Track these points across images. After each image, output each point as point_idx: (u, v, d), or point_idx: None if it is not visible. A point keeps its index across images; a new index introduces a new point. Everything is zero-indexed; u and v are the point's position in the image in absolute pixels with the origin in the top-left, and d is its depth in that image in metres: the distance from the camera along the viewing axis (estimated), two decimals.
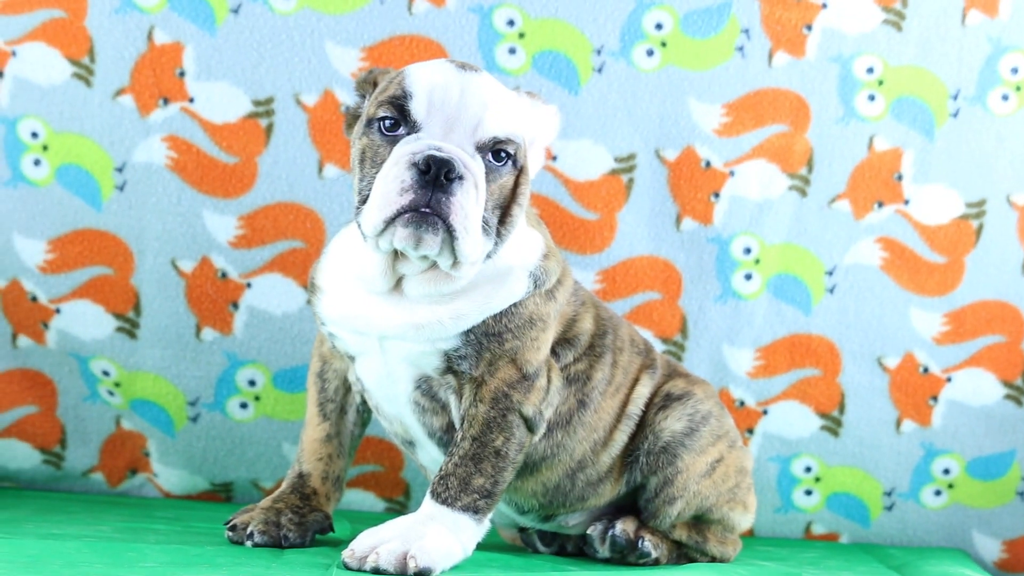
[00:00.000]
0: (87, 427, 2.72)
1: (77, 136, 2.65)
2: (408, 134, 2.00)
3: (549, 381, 2.14)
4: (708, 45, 2.69)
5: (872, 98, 2.71)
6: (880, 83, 2.71)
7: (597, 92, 2.69)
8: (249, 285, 2.68)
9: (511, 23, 2.67)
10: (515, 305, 2.08)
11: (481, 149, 2.00)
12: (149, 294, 2.67)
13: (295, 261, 2.67)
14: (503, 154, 2.02)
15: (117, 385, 2.69)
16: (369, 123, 2.04)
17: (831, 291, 2.74)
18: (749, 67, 2.70)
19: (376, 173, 2.00)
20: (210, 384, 2.69)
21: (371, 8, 2.65)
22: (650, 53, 2.69)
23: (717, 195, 2.72)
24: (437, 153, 1.95)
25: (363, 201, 2.01)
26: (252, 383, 2.70)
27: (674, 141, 2.71)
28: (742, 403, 2.74)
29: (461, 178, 1.95)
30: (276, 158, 2.67)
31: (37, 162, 2.65)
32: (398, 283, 2.08)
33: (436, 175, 1.94)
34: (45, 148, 2.65)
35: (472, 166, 1.97)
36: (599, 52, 2.68)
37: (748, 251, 2.73)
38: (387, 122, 2.01)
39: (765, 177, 2.71)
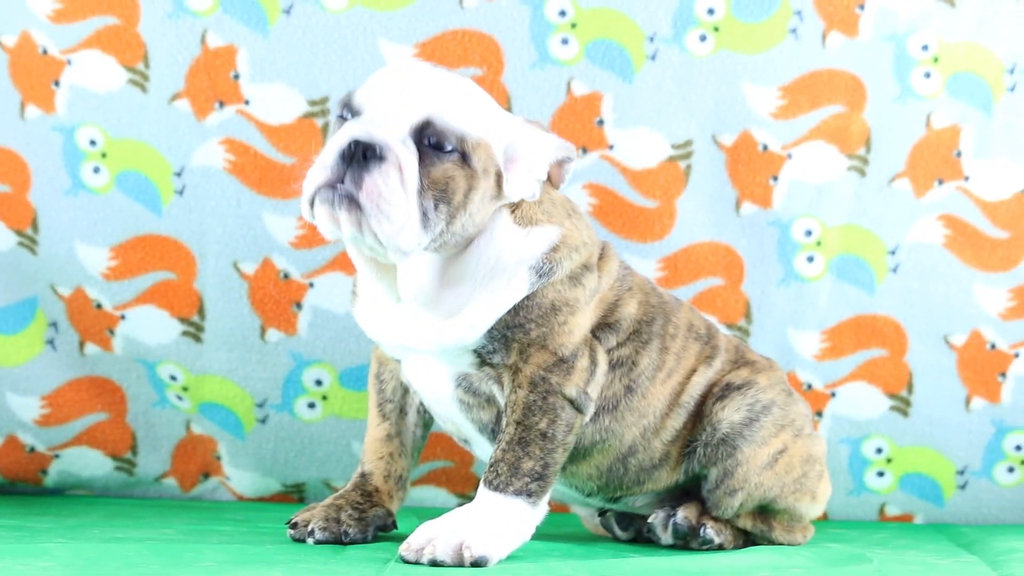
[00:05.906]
0: (157, 432, 2.73)
1: (135, 142, 2.66)
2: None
3: (594, 363, 2.12)
4: (761, 29, 2.67)
5: (928, 75, 2.70)
6: (935, 60, 2.70)
7: (652, 79, 2.68)
8: (312, 285, 2.69)
9: (563, 14, 2.66)
10: (529, 297, 2.06)
11: (417, 134, 1.96)
12: (212, 297, 2.68)
13: None
14: (448, 147, 1.97)
15: (185, 389, 2.70)
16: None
17: (894, 270, 2.72)
18: (803, 49, 2.68)
19: None
20: (277, 385, 2.70)
21: (421, 3, 2.66)
22: (703, 39, 2.68)
23: (776, 178, 2.71)
24: (361, 136, 1.92)
25: None
26: (319, 383, 2.71)
27: (730, 126, 2.70)
28: (809, 386, 2.73)
29: (382, 159, 1.91)
30: None
31: (96, 170, 2.66)
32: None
33: (354, 155, 1.91)
34: (104, 155, 2.66)
35: (398, 149, 1.93)
36: (652, 39, 2.68)
37: (809, 233, 2.71)
38: (341, 118, 2.01)
39: (823, 159, 2.70)
